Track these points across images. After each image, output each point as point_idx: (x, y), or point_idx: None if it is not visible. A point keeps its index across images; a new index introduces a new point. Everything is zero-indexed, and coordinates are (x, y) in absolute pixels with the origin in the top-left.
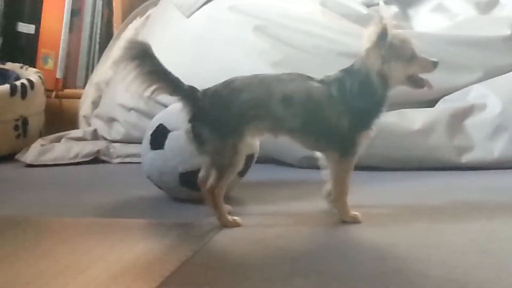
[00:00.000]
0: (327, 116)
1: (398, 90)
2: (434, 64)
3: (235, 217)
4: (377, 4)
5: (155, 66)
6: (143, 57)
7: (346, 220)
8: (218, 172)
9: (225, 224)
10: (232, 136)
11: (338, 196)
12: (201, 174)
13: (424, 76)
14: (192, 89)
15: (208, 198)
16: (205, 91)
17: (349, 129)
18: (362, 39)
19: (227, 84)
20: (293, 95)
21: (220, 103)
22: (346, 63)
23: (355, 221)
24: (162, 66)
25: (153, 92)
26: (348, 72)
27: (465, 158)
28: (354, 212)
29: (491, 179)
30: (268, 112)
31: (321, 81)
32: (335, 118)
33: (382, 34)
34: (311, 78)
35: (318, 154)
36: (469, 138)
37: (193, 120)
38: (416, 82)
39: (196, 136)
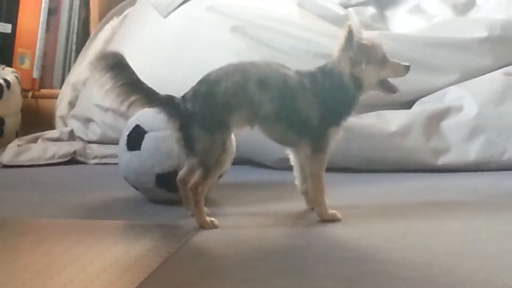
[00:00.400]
0: (299, 106)
1: (375, 92)
2: (406, 69)
3: (213, 219)
4: (355, 5)
5: (130, 78)
6: (117, 69)
7: (325, 218)
8: (205, 171)
9: (203, 225)
10: (221, 131)
11: (315, 195)
12: (181, 173)
13: (398, 79)
14: (169, 98)
15: (190, 196)
16: (184, 96)
17: (319, 122)
18: (336, 41)
19: (204, 80)
20: (269, 78)
21: (203, 100)
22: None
23: (334, 219)
24: (137, 77)
25: (129, 105)
26: (321, 70)
27: (442, 160)
28: (332, 210)
29: (468, 181)
30: (246, 96)
31: (296, 72)
32: (306, 109)
33: (349, 37)
34: (286, 67)
35: (290, 152)
36: (446, 140)
37: (181, 128)
38: (388, 87)
39: (187, 141)
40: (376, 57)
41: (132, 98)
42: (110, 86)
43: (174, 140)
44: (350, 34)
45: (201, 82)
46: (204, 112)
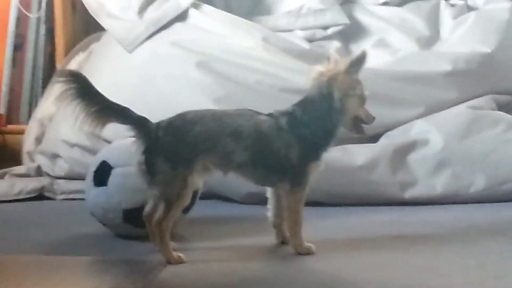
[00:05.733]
0: (276, 148)
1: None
2: (374, 119)
3: (180, 254)
4: (319, 39)
5: (101, 103)
6: (86, 95)
7: (300, 252)
8: (166, 204)
9: (169, 260)
10: (183, 167)
11: (292, 228)
12: (147, 208)
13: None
14: (143, 119)
15: (155, 231)
16: (159, 123)
17: (298, 160)
18: (312, 74)
19: (181, 116)
20: (242, 129)
21: (174, 134)
22: (288, 99)
23: (309, 252)
24: (107, 100)
25: (103, 126)
26: (300, 103)
27: (408, 194)
28: (307, 244)
29: (434, 214)
30: (219, 145)
31: (270, 115)
32: (284, 149)
33: (360, 60)
34: (259, 113)
35: (267, 188)
36: (412, 173)
37: (146, 151)
38: (359, 126)
39: (148, 167)
40: (361, 92)
41: (107, 121)
42: (84, 114)
43: (136, 163)
44: (363, 57)
45: (178, 116)
46: (172, 145)
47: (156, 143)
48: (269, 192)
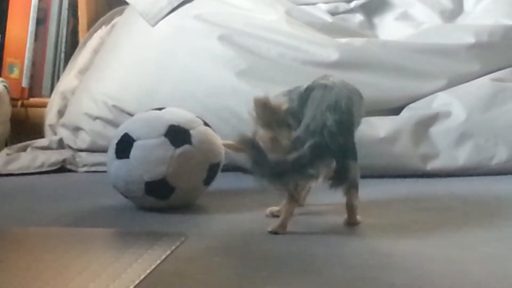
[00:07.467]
0: None
1: (364, 99)
2: None
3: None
4: (342, 12)
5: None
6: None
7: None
8: (355, 188)
9: (281, 228)
10: None
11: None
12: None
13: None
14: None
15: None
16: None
17: None
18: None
19: (335, 108)
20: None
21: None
22: (311, 72)
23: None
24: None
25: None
26: None
27: (430, 166)
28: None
29: (457, 186)
30: None
31: None
32: None
33: None
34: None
35: None
36: (434, 145)
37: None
38: None
39: (339, 173)
40: None
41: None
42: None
43: (321, 177)
44: None
45: (329, 110)
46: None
47: (338, 151)
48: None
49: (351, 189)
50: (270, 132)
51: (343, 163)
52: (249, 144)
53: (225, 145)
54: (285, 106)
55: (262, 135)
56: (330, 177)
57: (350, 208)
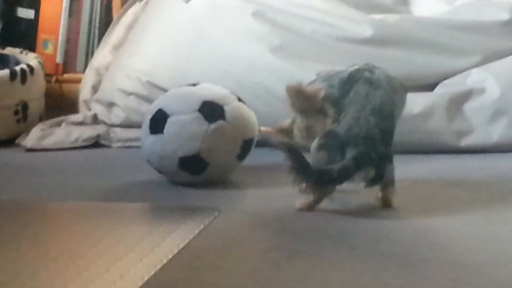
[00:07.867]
0: None
1: (398, 75)
2: None
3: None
4: None
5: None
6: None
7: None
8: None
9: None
10: None
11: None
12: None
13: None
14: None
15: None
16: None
17: None
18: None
19: (373, 110)
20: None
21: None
22: (344, 48)
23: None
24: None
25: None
26: None
27: (464, 142)
28: None
29: (491, 162)
30: None
31: None
32: None
33: None
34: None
35: None
36: (468, 122)
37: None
38: None
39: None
40: None
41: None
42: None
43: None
44: None
45: (373, 114)
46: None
47: (379, 159)
48: None
49: (388, 186)
50: (306, 119)
51: (380, 167)
52: (289, 151)
53: (264, 131)
54: (321, 93)
55: (299, 123)
56: (367, 179)
57: (385, 200)
